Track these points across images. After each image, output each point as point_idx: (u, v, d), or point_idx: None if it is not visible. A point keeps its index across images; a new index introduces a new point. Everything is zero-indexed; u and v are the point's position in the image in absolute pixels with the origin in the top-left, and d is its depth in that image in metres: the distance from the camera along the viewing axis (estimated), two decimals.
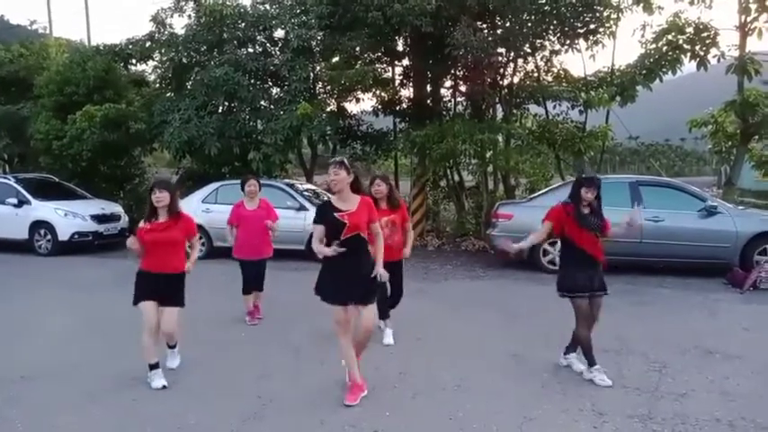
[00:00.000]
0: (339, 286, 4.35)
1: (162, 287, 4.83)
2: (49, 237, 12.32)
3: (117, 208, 13.67)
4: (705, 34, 11.55)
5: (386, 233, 5.38)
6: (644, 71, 12.01)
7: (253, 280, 6.89)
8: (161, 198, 4.80)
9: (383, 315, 5.91)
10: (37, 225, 12.36)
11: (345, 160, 4.50)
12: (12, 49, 18.72)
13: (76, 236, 12.35)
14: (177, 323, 4.95)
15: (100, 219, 12.76)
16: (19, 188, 12.69)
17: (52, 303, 7.97)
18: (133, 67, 16.36)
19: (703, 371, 5.08)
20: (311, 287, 4.51)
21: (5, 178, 13.49)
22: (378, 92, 14.90)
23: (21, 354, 5.68)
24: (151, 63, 15.66)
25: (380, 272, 4.36)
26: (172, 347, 5.24)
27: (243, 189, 6.98)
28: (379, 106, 15.08)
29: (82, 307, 7.70)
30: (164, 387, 4.71)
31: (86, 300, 8.15)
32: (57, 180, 14.00)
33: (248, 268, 6.89)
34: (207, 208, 11.50)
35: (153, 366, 4.80)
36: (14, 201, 12.50)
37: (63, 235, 12.24)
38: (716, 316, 7.11)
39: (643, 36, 12.30)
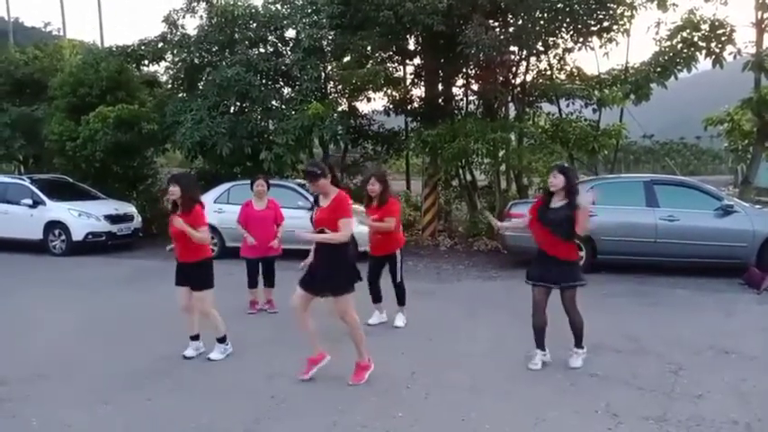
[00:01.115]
0: (307, 273, 4.79)
1: (186, 275, 5.36)
2: (63, 237, 12.42)
3: (130, 208, 13.77)
4: (721, 31, 11.38)
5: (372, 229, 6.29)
6: (658, 69, 11.86)
7: (257, 276, 7.22)
8: (172, 192, 5.23)
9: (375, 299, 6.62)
10: (51, 225, 12.47)
11: (316, 167, 4.70)
12: (27, 51, 18.92)
13: (90, 236, 12.44)
14: (206, 304, 5.37)
15: (113, 219, 12.85)
16: (34, 189, 12.82)
17: (66, 302, 8.02)
18: (145, 68, 16.43)
19: (719, 372, 5.00)
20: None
21: (20, 179, 13.62)
22: (389, 91, 14.87)
23: (36, 352, 5.72)
24: (163, 64, 15.74)
25: (301, 234, 4.67)
26: (219, 341, 5.49)
27: (252, 189, 7.08)
28: (391, 106, 15.05)
29: (95, 306, 7.75)
30: (185, 357, 5.39)
31: (100, 299, 8.20)
32: (71, 181, 14.11)
33: (252, 265, 7.20)
34: (219, 208, 11.52)
35: (191, 338, 5.51)
36: (29, 201, 12.62)
37: (77, 235, 12.33)
38: (732, 316, 7.01)
39: (657, 33, 12.16)
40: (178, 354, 5.47)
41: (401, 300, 6.67)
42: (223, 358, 5.42)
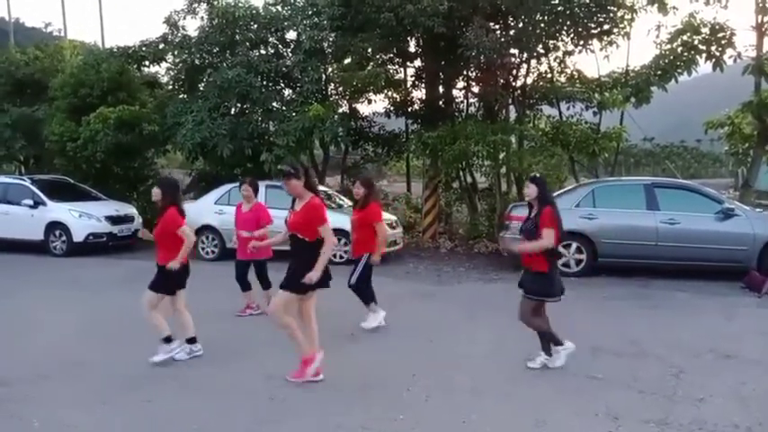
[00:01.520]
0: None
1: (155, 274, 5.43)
2: (63, 238, 12.42)
3: (130, 209, 13.77)
4: (721, 34, 11.41)
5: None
6: (659, 72, 11.89)
7: (245, 278, 7.20)
8: (154, 194, 5.47)
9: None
10: (52, 226, 12.47)
11: (290, 167, 4.77)
12: (27, 51, 18.93)
13: (91, 237, 12.44)
14: (145, 301, 5.35)
15: (114, 220, 12.86)
16: (34, 189, 12.82)
17: (67, 303, 8.02)
18: (146, 69, 16.46)
19: (720, 375, 5.00)
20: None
21: (21, 180, 13.62)
22: (390, 93, 14.89)
23: (36, 353, 5.71)
24: (164, 65, 15.76)
25: (310, 276, 4.50)
26: (164, 340, 5.39)
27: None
28: (391, 107, 15.08)
29: (96, 307, 7.75)
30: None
31: (100, 300, 8.19)
32: (71, 181, 14.12)
33: (240, 267, 7.21)
34: (220, 209, 11.54)
35: (187, 341, 5.49)
36: (30, 202, 12.62)
37: (78, 236, 12.34)
38: (733, 320, 7.00)
39: (658, 36, 12.19)
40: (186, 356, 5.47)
41: (363, 301, 6.51)
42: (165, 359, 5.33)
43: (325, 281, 4.72)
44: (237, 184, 11.77)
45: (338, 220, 9.53)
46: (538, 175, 5.27)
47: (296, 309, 4.82)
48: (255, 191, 7.26)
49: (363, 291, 6.51)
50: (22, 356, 5.62)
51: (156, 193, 5.46)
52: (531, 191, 5.03)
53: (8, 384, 4.85)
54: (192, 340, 5.52)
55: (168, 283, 5.38)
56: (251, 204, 7.19)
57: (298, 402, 4.46)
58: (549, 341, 5.13)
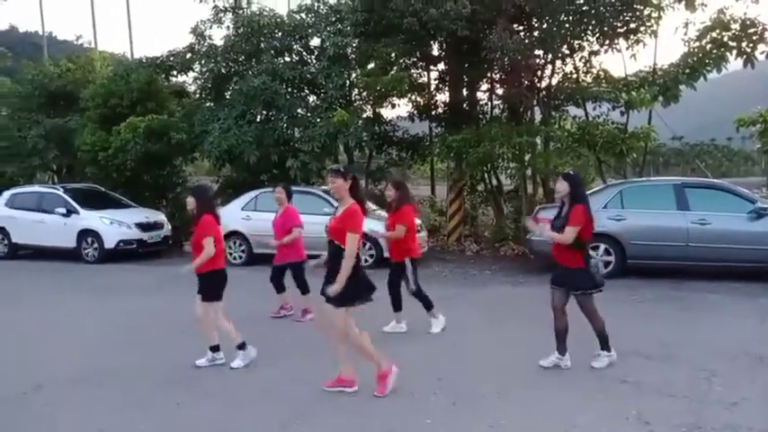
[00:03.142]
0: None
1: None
2: (95, 245, 12.69)
3: (160, 216, 14.00)
4: (752, 30, 11.16)
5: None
6: (687, 70, 11.68)
7: (279, 280, 7.35)
8: (189, 203, 5.57)
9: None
10: (84, 234, 12.75)
11: (341, 167, 4.73)
12: (60, 64, 19.39)
13: (122, 244, 12.69)
14: (199, 310, 5.43)
15: (144, 227, 13.09)
16: (67, 198, 13.14)
17: (99, 309, 8.19)
18: (174, 79, 16.74)
19: (754, 379, 4.89)
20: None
21: (54, 189, 13.97)
22: (413, 97, 14.90)
23: (69, 358, 5.85)
24: (191, 74, 16.00)
25: (331, 288, 4.44)
26: (211, 349, 5.54)
27: None
28: (415, 111, 15.08)
29: (127, 313, 7.90)
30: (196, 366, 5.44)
31: (131, 306, 8.35)
32: (102, 190, 14.42)
33: (275, 270, 7.36)
34: (247, 215, 11.68)
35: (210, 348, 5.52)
36: (63, 210, 12.93)
37: (109, 243, 12.59)
38: (766, 322, 6.84)
39: (686, 34, 11.95)
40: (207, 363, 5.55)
41: (426, 306, 6.61)
42: (207, 366, 5.43)
43: (366, 293, 4.62)
44: (264, 190, 12.01)
45: (366, 224, 9.57)
46: (572, 172, 5.24)
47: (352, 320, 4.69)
48: (289, 195, 7.36)
49: (424, 296, 6.57)
50: (55, 362, 5.75)
51: (190, 202, 5.55)
52: (561, 187, 5.01)
53: (41, 389, 4.98)
54: (215, 348, 5.56)
55: (213, 289, 5.45)
56: (282, 208, 7.29)
57: (324, 407, 4.48)
58: (602, 339, 5.15)
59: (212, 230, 5.39)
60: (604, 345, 5.19)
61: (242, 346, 5.45)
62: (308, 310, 7.22)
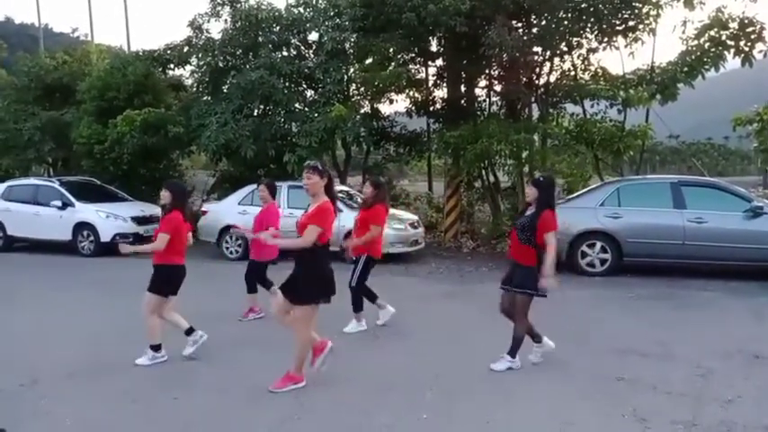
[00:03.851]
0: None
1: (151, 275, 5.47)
2: (91, 238, 12.65)
3: (156, 210, 13.93)
4: (750, 29, 11.17)
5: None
6: (685, 68, 11.69)
7: (252, 280, 7.23)
8: (163, 196, 5.58)
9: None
10: (80, 227, 12.71)
11: (319, 164, 4.69)
12: (56, 56, 19.30)
13: (118, 237, 12.62)
14: (145, 304, 5.40)
15: (140, 220, 13.05)
16: (63, 191, 13.09)
17: (95, 303, 8.17)
18: (171, 72, 16.68)
19: (750, 377, 4.92)
20: (342, 288, 4.58)
21: (50, 181, 13.91)
22: (411, 93, 14.88)
23: (66, 352, 5.83)
24: (188, 67, 15.93)
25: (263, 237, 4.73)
26: (152, 348, 5.48)
27: None
28: (413, 107, 15.07)
29: (123, 306, 7.85)
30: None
31: (127, 300, 8.28)
32: (98, 183, 14.37)
33: (251, 267, 7.27)
34: (243, 210, 11.64)
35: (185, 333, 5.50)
36: (59, 203, 12.88)
37: (105, 236, 12.55)
38: (762, 320, 6.88)
39: (684, 32, 11.95)
40: (204, 354, 5.54)
41: (354, 305, 6.43)
42: (149, 365, 5.35)
43: (327, 293, 4.61)
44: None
45: None
46: (542, 178, 5.32)
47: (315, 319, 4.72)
48: (272, 192, 7.29)
49: (360, 297, 6.45)
50: (53, 356, 5.73)
51: (165, 195, 5.52)
52: (530, 192, 5.16)
53: (40, 383, 4.97)
54: (189, 331, 5.54)
55: (167, 284, 5.43)
56: (266, 205, 7.25)
57: (322, 402, 4.49)
58: (515, 346, 5.14)
59: (165, 228, 5.37)
60: (513, 351, 5.14)
61: (190, 331, 5.48)
62: (254, 309, 7.16)
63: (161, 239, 5.30)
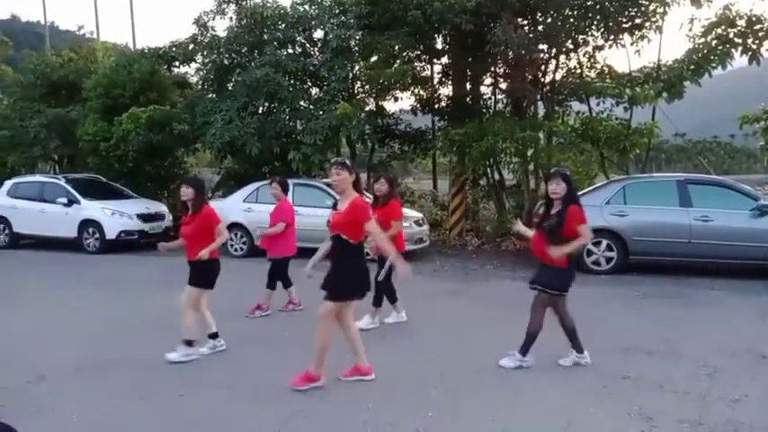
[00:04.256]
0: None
1: (191, 272, 5.48)
2: (97, 235, 12.70)
3: (161, 207, 14.01)
4: (758, 27, 11.11)
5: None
6: (692, 66, 11.63)
7: (275, 277, 7.24)
8: (185, 193, 5.48)
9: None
10: (85, 224, 12.76)
11: (347, 161, 4.71)
12: (62, 54, 19.34)
13: (123, 234, 12.70)
14: (186, 296, 5.43)
15: (145, 218, 13.10)
16: (69, 188, 13.14)
17: (100, 300, 8.19)
18: (176, 70, 16.74)
19: (756, 376, 4.89)
20: None
21: (56, 179, 13.96)
22: (416, 90, 14.87)
23: (72, 349, 5.85)
24: (194, 65, 16.02)
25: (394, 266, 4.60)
26: (185, 343, 5.46)
27: None
28: (418, 105, 15.05)
29: (129, 304, 7.90)
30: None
31: (133, 297, 8.35)
32: (104, 180, 14.42)
33: (273, 265, 7.26)
34: (248, 207, 11.68)
35: (208, 336, 5.60)
36: (64, 200, 12.93)
37: (110, 233, 12.60)
38: None
39: (691, 30, 11.90)
40: (209, 351, 5.56)
41: (375, 300, 6.43)
42: (185, 361, 5.34)
43: (362, 290, 4.64)
44: (265, 182, 11.98)
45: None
46: (567, 171, 5.18)
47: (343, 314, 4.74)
48: (285, 189, 7.33)
49: (383, 291, 6.48)
50: (59, 353, 5.75)
51: (188, 192, 5.46)
52: (559, 188, 4.90)
53: (46, 379, 4.99)
54: (214, 335, 5.63)
55: (207, 277, 5.47)
56: (279, 202, 7.28)
57: (328, 399, 4.49)
58: (527, 343, 5.10)
59: (218, 220, 5.50)
60: (524, 349, 5.13)
61: (190, 344, 5.43)
62: (293, 301, 7.28)
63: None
